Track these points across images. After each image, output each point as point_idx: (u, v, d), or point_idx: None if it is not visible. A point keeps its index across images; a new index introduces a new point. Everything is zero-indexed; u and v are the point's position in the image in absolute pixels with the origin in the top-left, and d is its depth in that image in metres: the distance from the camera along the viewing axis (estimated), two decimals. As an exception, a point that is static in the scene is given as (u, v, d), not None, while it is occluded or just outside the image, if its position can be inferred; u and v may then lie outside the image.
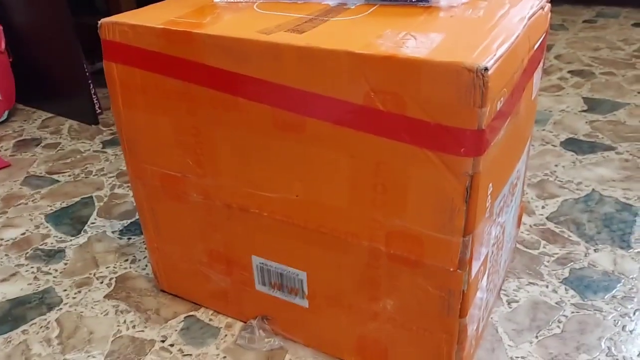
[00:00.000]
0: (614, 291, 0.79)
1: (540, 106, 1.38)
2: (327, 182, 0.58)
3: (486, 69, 0.46)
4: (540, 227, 0.93)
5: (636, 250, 0.86)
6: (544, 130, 1.26)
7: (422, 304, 0.59)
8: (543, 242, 0.90)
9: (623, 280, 0.81)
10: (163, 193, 0.72)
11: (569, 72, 1.59)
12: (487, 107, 0.47)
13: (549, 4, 0.67)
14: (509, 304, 0.78)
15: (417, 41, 0.51)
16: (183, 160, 0.67)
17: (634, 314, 0.75)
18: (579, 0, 2.34)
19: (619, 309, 0.76)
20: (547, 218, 0.95)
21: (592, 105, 1.37)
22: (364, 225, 0.58)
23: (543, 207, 0.98)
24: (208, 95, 0.61)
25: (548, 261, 0.85)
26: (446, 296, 0.57)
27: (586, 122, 1.29)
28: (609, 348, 0.70)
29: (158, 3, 0.71)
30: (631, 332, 0.72)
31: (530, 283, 0.81)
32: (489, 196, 0.55)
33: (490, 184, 0.55)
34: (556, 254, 0.87)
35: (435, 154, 0.50)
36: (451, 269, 0.55)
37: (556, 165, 1.11)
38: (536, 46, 0.62)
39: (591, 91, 1.46)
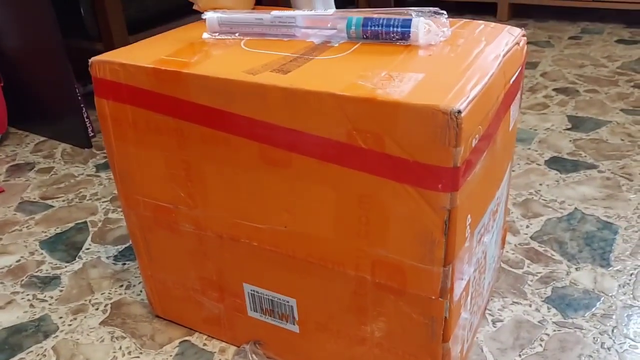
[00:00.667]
0: (593, 309, 0.82)
1: (525, 125, 1.41)
2: (314, 214, 0.61)
3: (459, 112, 0.48)
4: (525, 246, 0.96)
5: (615, 268, 0.89)
6: (529, 149, 1.29)
7: (407, 329, 0.62)
8: (527, 261, 0.92)
9: (603, 298, 0.83)
10: (155, 223, 0.75)
11: (554, 89, 1.63)
12: (461, 147, 0.50)
13: (525, 39, 0.70)
14: (493, 323, 0.80)
15: (395, 82, 0.54)
16: (174, 192, 0.70)
17: (613, 331, 0.78)
18: (564, 16, 2.38)
19: (598, 327, 0.78)
20: (531, 237, 0.98)
21: (576, 124, 1.40)
22: (349, 254, 0.61)
23: (527, 227, 1.01)
24: (198, 131, 0.63)
25: (532, 280, 0.88)
26: (429, 322, 0.59)
27: (570, 141, 1.32)
28: (589, 366, 0.73)
29: (148, 40, 0.74)
30: (609, 349, 0.75)
31: (514, 302, 0.84)
32: (468, 227, 0.58)
33: (469, 216, 0.57)
34: (539, 272, 0.89)
35: (414, 189, 0.53)
36: (433, 297, 0.57)
37: (540, 184, 1.14)
38: (512, 80, 0.65)
39: (575, 109, 1.49)
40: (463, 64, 0.58)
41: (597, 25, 2.24)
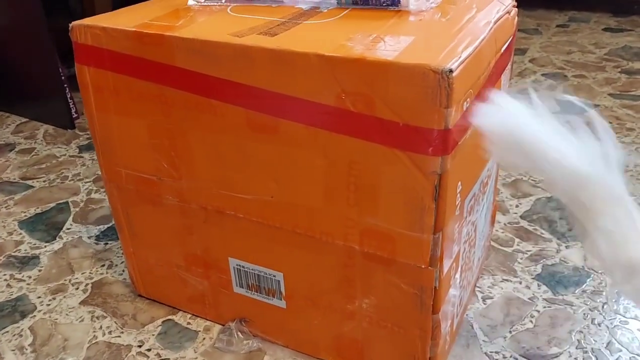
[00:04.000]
0: (583, 286, 0.81)
1: (513, 108, 1.40)
2: (302, 183, 0.59)
3: (451, 71, 0.47)
4: (514, 225, 0.95)
5: (605, 247, 0.88)
6: (517, 131, 1.28)
7: (396, 301, 0.60)
8: (517, 239, 0.91)
9: (592, 275, 0.83)
10: (138, 197, 0.73)
11: (543, 74, 1.62)
12: (452, 108, 0.48)
13: (516, 9, 0.69)
14: (483, 300, 0.79)
15: (386, 44, 0.52)
16: (158, 163, 0.68)
17: (603, 307, 0.77)
18: (552, 5, 2.38)
19: (588, 303, 0.78)
20: (520, 216, 0.97)
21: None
22: (338, 224, 0.59)
23: (517, 206, 1.00)
24: (182, 97, 0.61)
25: (521, 258, 0.87)
26: (419, 293, 0.58)
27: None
28: (578, 340, 0.72)
29: (132, 6, 0.72)
30: (599, 324, 0.74)
31: (504, 280, 0.82)
32: (459, 195, 0.56)
33: (460, 183, 0.56)
34: (529, 251, 0.88)
35: (404, 153, 0.51)
36: (422, 266, 0.56)
37: (529, 166, 1.13)
38: (503, 49, 0.64)
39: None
40: (454, 29, 0.56)
41: (584, 14, 2.24)
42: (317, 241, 0.62)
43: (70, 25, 0.65)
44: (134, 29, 0.61)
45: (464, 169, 0.57)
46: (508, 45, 0.66)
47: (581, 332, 0.73)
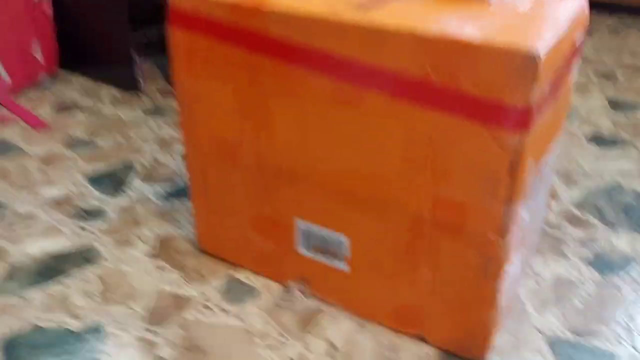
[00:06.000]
0: (630, 270, 0.85)
1: (565, 102, 1.42)
2: (380, 152, 0.63)
3: (539, 54, 0.50)
4: (566, 212, 0.98)
5: (652, 236, 0.93)
6: (570, 124, 1.31)
7: (460, 270, 0.64)
8: (568, 225, 0.95)
9: (639, 260, 0.87)
10: (217, 157, 0.77)
11: (595, 74, 1.64)
12: (537, 88, 0.52)
13: (587, 4, 0.71)
14: (535, 279, 0.83)
15: (475, 26, 0.56)
16: (240, 127, 0.72)
17: (648, 291, 0.81)
18: (603, 8, 2.37)
19: (634, 287, 0.82)
20: (572, 204, 1.00)
21: (615, 105, 1.41)
22: (412, 192, 0.63)
23: (569, 195, 1.03)
24: (270, 65, 0.65)
25: (572, 242, 0.91)
26: (484, 262, 0.62)
27: (609, 120, 1.33)
28: (625, 321, 0.76)
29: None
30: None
31: (556, 261, 0.86)
32: (529, 171, 0.60)
33: (532, 159, 0.59)
34: (579, 236, 0.92)
35: (485, 127, 0.55)
36: (492, 237, 0.60)
37: (581, 158, 1.16)
38: (577, 42, 0.67)
39: (615, 92, 1.50)
40: (538, 16, 0.59)
41: (635, 18, 2.24)
42: (388, 208, 0.65)
43: (170, -11, 0.69)
44: (232, 1, 0.65)
45: (537, 147, 0.60)
46: (580, 37, 0.69)
47: (628, 312, 0.77)
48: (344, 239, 0.72)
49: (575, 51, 0.68)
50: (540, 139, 0.62)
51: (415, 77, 0.57)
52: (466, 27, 0.55)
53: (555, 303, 0.79)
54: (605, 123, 1.32)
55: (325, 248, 0.74)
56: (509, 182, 0.56)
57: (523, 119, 0.53)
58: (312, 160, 0.68)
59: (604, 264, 0.86)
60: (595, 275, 0.84)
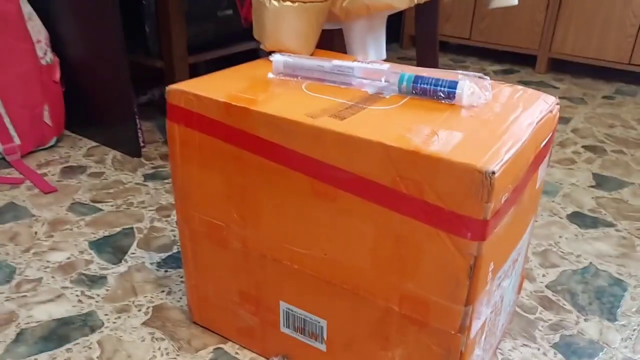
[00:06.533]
0: (596, 358, 0.88)
1: (552, 178, 1.48)
2: (353, 246, 0.68)
3: (493, 173, 0.56)
4: (539, 293, 1.02)
5: (621, 323, 0.96)
6: (553, 201, 1.35)
7: (426, 358, 0.69)
8: (540, 308, 0.99)
9: (605, 349, 0.90)
10: (206, 238, 0.83)
11: (583, 147, 1.69)
12: (492, 202, 0.57)
13: (558, 106, 0.77)
14: (503, 363, 0.87)
15: (439, 138, 0.62)
16: (229, 212, 0.78)
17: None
18: (600, 75, 2.45)
19: (600, 377, 0.85)
20: (546, 286, 1.05)
21: (600, 182, 1.47)
22: (381, 286, 0.68)
23: (544, 275, 1.08)
24: (257, 161, 0.71)
25: (542, 326, 0.94)
26: (446, 354, 0.66)
27: (592, 198, 1.38)
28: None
29: (219, 73, 0.82)
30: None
31: (524, 345, 0.90)
32: (490, 272, 0.65)
33: (492, 263, 0.64)
34: (550, 319, 0.96)
35: (446, 234, 0.60)
36: (452, 332, 0.64)
37: (560, 237, 1.21)
38: (543, 144, 0.72)
39: (601, 168, 1.55)
40: (500, 128, 0.65)
41: (631, 87, 2.30)
42: (361, 298, 0.71)
43: (167, 89, 0.76)
44: (223, 100, 0.71)
45: (498, 250, 0.65)
46: (548, 140, 0.75)
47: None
48: (322, 322, 0.77)
49: (540, 153, 0.74)
50: (503, 242, 0.67)
51: (385, 183, 0.63)
52: (432, 140, 0.61)
53: (521, 388, 0.83)
54: (588, 201, 1.36)
55: (304, 329, 0.79)
56: (468, 285, 0.61)
57: (480, 230, 0.59)
58: (293, 248, 0.74)
59: (571, 349, 0.90)
60: (562, 360, 0.88)
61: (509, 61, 2.65)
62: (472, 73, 0.73)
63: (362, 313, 0.72)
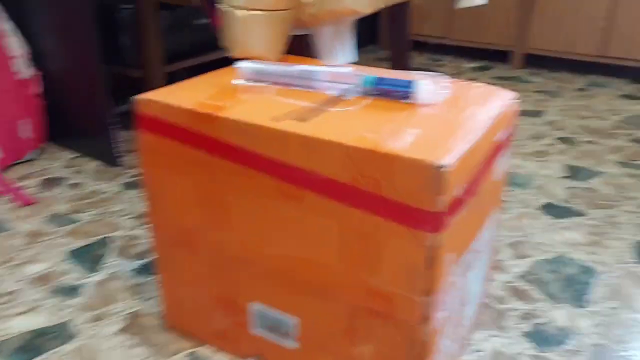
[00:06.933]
0: (567, 345, 0.91)
1: (525, 170, 1.51)
2: (320, 244, 0.70)
3: (444, 167, 0.58)
4: (511, 284, 1.05)
5: (590, 310, 0.98)
6: (526, 193, 1.38)
7: (393, 351, 0.71)
8: (511, 298, 1.01)
9: (576, 336, 0.93)
10: (179, 242, 0.84)
11: (557, 138, 1.72)
12: (445, 195, 0.59)
13: (517, 101, 0.80)
14: (477, 355, 0.89)
15: (396, 136, 0.64)
16: (200, 217, 0.79)
17: (582, 366, 0.87)
18: (576, 68, 2.48)
19: (569, 362, 0.88)
20: (517, 276, 1.07)
21: (573, 172, 1.49)
22: (348, 282, 0.70)
23: (515, 266, 1.10)
24: (226, 165, 0.73)
25: (513, 315, 0.97)
26: (410, 345, 0.68)
27: (565, 188, 1.41)
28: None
29: (186, 82, 0.84)
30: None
31: (495, 335, 0.92)
32: (450, 264, 0.67)
33: (451, 254, 0.66)
34: (521, 309, 0.98)
35: (405, 228, 0.62)
36: (415, 323, 0.66)
37: (532, 228, 1.23)
38: (500, 138, 0.75)
39: (574, 158, 1.58)
40: (455, 123, 0.67)
41: (604, 79, 2.34)
42: (330, 295, 0.72)
43: (136, 98, 0.77)
44: (190, 108, 0.73)
45: (456, 241, 0.68)
46: (505, 135, 0.77)
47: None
48: (294, 319, 0.78)
49: (498, 147, 0.76)
50: (461, 233, 0.69)
51: (346, 182, 0.65)
52: (388, 138, 0.63)
53: (492, 376, 0.85)
54: (560, 192, 1.39)
55: (276, 327, 0.81)
56: (427, 276, 0.63)
57: (436, 222, 0.61)
58: (263, 249, 0.76)
59: (542, 338, 0.92)
60: (533, 348, 0.90)
61: (486, 58, 2.68)
62: (431, 72, 0.75)
63: (331, 310, 0.74)
